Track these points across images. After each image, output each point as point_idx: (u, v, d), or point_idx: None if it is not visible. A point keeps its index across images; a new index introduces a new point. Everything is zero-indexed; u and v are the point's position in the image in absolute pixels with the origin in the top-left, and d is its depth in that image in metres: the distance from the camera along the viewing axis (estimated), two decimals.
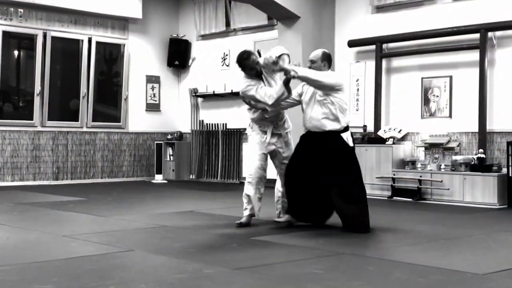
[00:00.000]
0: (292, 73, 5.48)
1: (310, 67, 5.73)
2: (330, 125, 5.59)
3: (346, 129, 5.67)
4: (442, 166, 8.49)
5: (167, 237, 5.27)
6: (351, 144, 5.68)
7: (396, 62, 9.50)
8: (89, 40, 11.41)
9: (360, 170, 5.71)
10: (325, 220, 5.88)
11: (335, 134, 5.60)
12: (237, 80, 5.89)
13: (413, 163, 8.76)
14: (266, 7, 9.75)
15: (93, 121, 11.51)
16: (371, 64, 9.62)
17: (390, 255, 4.52)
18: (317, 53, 5.78)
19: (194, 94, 12.27)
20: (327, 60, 5.77)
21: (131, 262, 4.26)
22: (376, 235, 5.47)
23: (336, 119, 5.59)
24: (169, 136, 12.24)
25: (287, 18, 9.77)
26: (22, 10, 10.66)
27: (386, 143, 9.00)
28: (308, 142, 5.70)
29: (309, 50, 9.71)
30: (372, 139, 9.23)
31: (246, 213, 5.90)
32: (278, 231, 5.57)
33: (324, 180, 5.57)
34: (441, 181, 8.26)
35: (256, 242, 5.02)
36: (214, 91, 11.75)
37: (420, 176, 8.46)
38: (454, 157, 8.39)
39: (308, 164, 5.64)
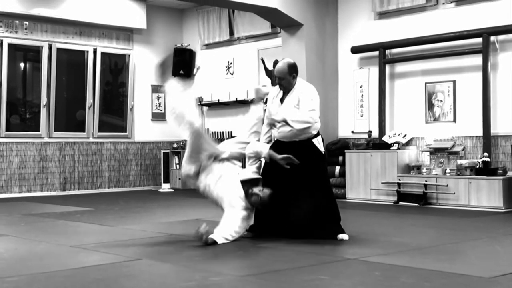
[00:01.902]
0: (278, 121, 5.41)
1: (279, 84, 5.47)
2: (301, 135, 5.42)
3: (316, 135, 5.49)
4: (447, 171, 8.50)
5: (174, 246, 5.29)
6: (322, 149, 5.51)
7: (400, 67, 9.52)
8: (94, 51, 11.49)
9: (328, 176, 5.63)
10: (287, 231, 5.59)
11: (306, 142, 5.44)
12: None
13: (418, 168, 8.77)
14: (269, 15, 9.79)
15: (99, 131, 11.58)
16: (375, 70, 9.65)
17: (396, 260, 4.53)
18: (282, 69, 5.39)
19: (199, 103, 12.33)
20: (295, 71, 5.43)
21: (139, 271, 4.29)
22: (382, 240, 5.48)
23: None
24: (175, 145, 12.28)
25: (290, 26, 9.82)
26: (27, 23, 10.75)
27: (391, 148, 9.02)
28: (279, 153, 5.41)
29: (313, 57, 9.87)
30: (377, 144, 9.25)
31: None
32: (284, 237, 5.58)
33: (297, 190, 5.42)
34: (447, 186, 8.27)
35: (262, 249, 5.04)
36: (219, 100, 11.80)
37: (426, 181, 8.47)
38: (459, 161, 8.40)
39: (281, 177, 5.43)
